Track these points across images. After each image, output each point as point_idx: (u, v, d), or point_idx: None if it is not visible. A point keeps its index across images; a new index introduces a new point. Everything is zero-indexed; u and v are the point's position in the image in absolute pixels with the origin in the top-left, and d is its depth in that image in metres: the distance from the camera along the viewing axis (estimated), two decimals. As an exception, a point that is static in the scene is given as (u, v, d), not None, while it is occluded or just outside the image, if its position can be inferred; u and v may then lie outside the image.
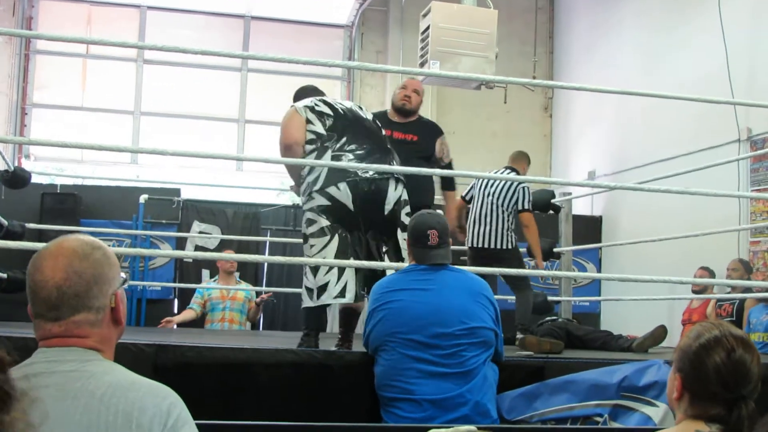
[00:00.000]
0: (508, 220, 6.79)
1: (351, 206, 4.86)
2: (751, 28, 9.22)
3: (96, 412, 1.87)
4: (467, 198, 7.07)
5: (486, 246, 6.74)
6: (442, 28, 8.89)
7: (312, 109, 5.11)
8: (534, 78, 12.81)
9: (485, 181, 6.81)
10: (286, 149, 5.06)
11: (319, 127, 5.04)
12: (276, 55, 5.44)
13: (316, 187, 4.89)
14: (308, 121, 5.05)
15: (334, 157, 4.93)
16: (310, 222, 4.93)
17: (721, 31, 9.27)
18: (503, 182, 6.73)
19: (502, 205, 6.74)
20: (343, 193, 4.83)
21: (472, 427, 2.04)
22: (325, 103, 5.19)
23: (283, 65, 12.61)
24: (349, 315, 5.11)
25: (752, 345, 2.40)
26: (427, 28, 8.99)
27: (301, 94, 5.56)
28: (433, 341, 3.94)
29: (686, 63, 10.30)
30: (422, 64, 9.09)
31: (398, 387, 3.92)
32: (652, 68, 11.03)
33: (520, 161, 7.23)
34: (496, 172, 7.00)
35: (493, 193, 6.79)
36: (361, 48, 13.76)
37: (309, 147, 5.01)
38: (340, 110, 5.17)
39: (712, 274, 8.55)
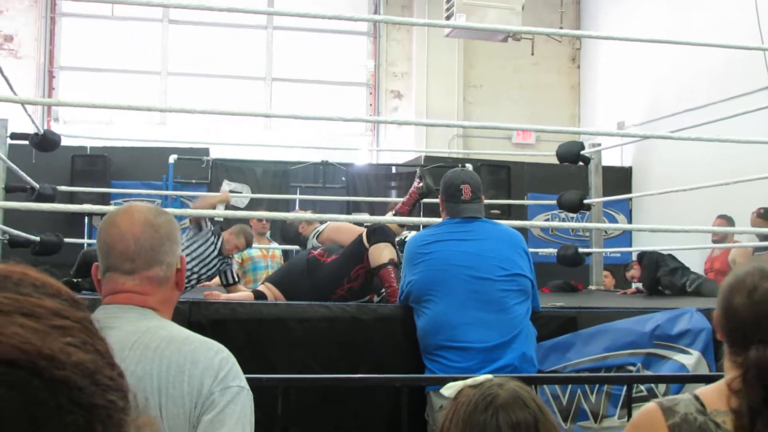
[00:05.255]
0: None
1: None
2: (782, -29, 9.07)
3: (150, 363, 1.95)
4: None
5: None
6: (468, -20, 8.83)
7: None
8: (561, 29, 12.68)
9: None
10: None
11: None
12: (301, 11, 5.39)
13: None
14: None
15: None
16: None
17: (750, -25, 9.13)
18: None
19: None
20: None
21: (489, 376, 2.06)
22: None
23: (309, 22, 12.54)
24: None
25: None
26: (453, -20, 8.94)
27: None
28: (477, 288, 3.96)
29: (715, 9, 10.16)
30: (448, 18, 9.04)
31: (445, 335, 3.94)
32: (680, 15, 10.88)
33: None
34: None
35: None
36: (386, 3, 13.62)
37: None
38: None
39: (730, 222, 8.52)
